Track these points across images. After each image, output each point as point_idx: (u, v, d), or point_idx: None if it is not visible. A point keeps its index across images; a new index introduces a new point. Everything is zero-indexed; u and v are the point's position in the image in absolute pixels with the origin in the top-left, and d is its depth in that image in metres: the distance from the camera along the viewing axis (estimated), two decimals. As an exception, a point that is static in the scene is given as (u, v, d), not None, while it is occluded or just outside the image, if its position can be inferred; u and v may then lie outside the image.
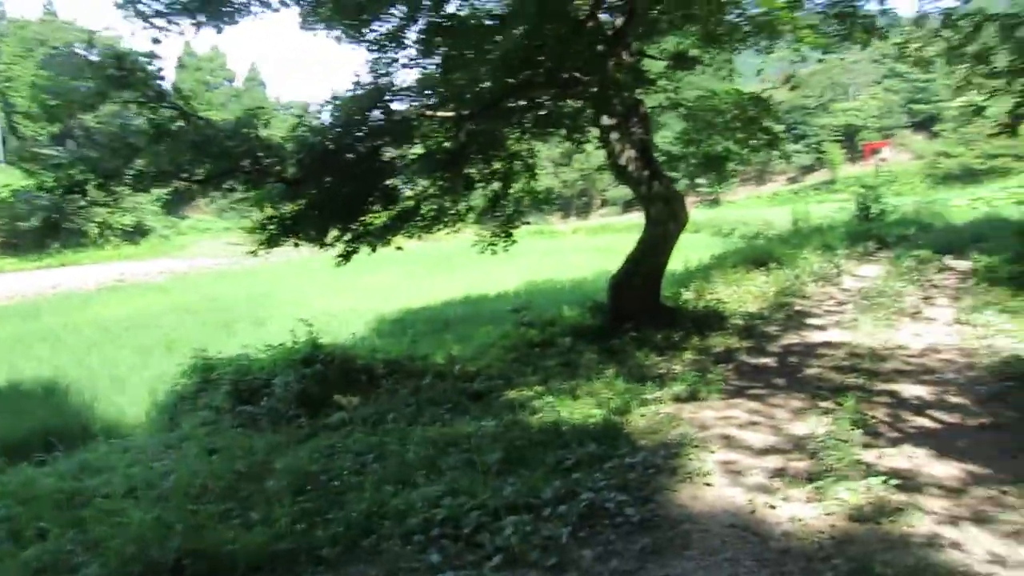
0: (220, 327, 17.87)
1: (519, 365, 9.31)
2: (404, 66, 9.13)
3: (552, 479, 5.06)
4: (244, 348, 10.25)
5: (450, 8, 8.89)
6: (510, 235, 11.29)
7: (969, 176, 57.00)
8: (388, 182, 8.84)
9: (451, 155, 9.30)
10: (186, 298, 26.22)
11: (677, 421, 6.54)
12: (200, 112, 8.69)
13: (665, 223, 10.62)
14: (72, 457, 7.36)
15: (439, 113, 8.52)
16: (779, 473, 5.19)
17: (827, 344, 9.23)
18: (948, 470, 5.13)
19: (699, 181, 22.33)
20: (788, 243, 16.68)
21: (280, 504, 4.97)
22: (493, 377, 8.72)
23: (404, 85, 8.60)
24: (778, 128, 12.48)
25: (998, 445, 5.61)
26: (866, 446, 5.57)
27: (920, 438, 5.83)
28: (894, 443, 5.72)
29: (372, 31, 9.22)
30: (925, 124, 71.75)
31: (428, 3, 8.65)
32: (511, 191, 11.28)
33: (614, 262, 28.61)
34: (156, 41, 7.91)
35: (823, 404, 6.76)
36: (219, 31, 8.77)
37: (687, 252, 15.64)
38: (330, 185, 8.12)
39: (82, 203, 8.33)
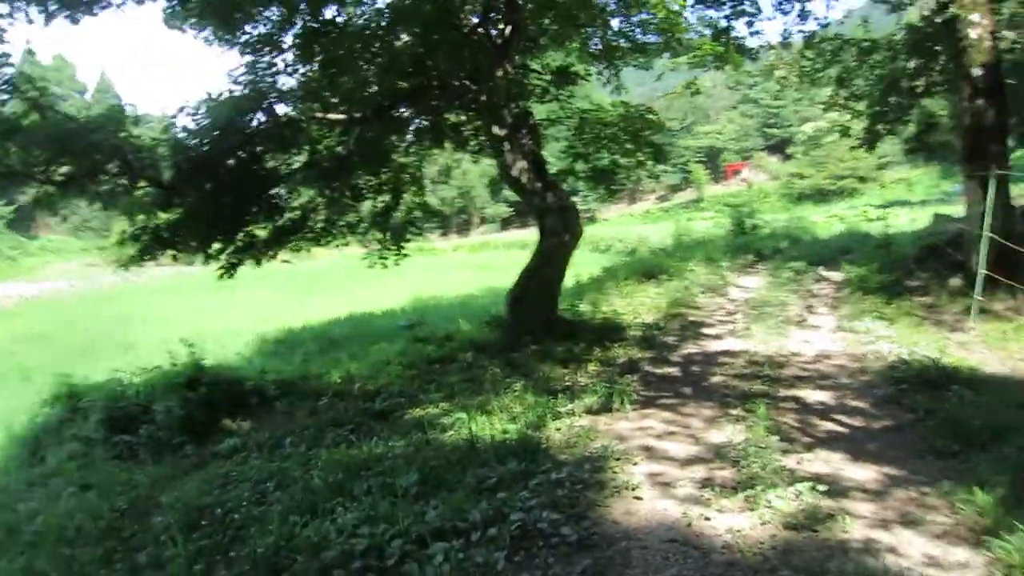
0: (82, 353, 16.35)
1: (421, 382, 8.93)
2: (281, 72, 8.58)
3: (477, 500, 4.72)
4: (115, 373, 9.24)
5: (329, 13, 8.46)
6: (401, 249, 10.85)
7: (820, 195, 61.55)
8: (272, 191, 8.19)
9: (338, 164, 8.80)
10: (41, 323, 23.89)
11: (594, 433, 6.35)
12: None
13: (560, 234, 10.57)
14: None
15: (329, 116, 8.00)
16: (707, 483, 5.07)
17: (726, 353, 9.38)
18: (866, 473, 5.19)
19: (583, 196, 22.70)
20: (674, 256, 17.13)
21: (172, 543, 4.36)
22: (395, 395, 8.28)
23: (286, 88, 8.01)
24: (664, 142, 12.76)
25: (904, 447, 5.76)
26: (784, 452, 5.56)
27: (832, 442, 5.91)
28: (809, 448, 5.76)
29: (245, 33, 8.60)
30: (778, 147, 77.16)
31: (304, 7, 8.17)
32: (402, 203, 10.86)
33: (498, 278, 28.73)
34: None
35: (733, 412, 6.78)
36: (74, 22, 7.90)
37: (575, 266, 15.74)
38: (209, 192, 7.41)
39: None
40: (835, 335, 10.04)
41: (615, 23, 11.32)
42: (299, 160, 8.46)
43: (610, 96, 12.75)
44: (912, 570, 3.81)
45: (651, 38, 12.80)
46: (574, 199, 11.31)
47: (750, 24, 12.74)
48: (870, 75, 12.89)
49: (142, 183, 7.46)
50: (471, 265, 39.60)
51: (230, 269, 8.67)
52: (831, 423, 6.47)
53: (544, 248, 10.56)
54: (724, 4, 11.72)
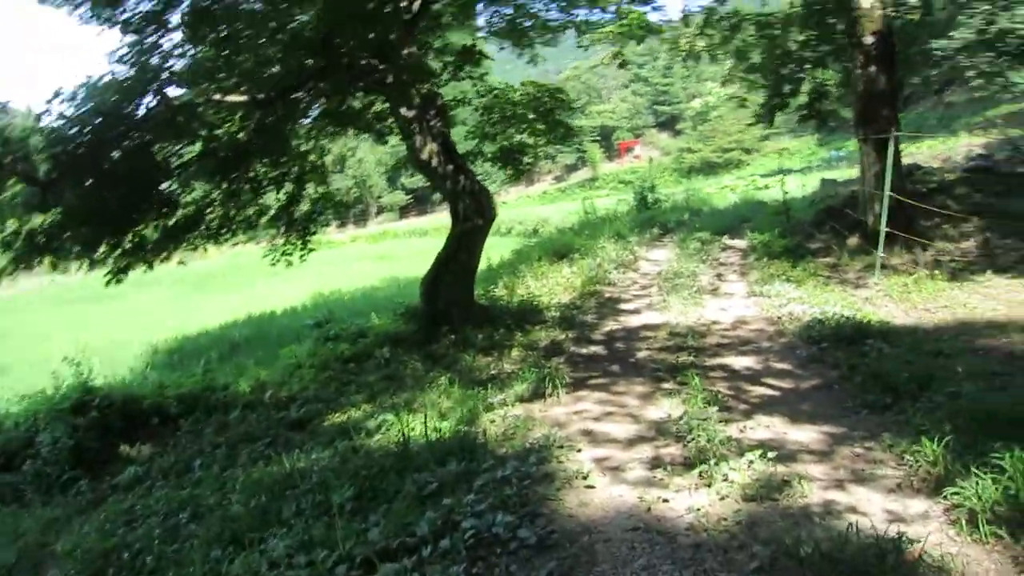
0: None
1: (337, 384, 8.47)
2: (169, 53, 7.80)
3: (421, 510, 4.36)
4: (-14, 401, 8.24)
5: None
6: (308, 243, 10.23)
7: (709, 168, 63.65)
8: (164, 185, 7.44)
9: (236, 153, 8.11)
10: None
11: (531, 422, 6.12)
12: None
13: (473, 219, 10.26)
14: None
15: (228, 98, 7.30)
16: (656, 463, 4.92)
17: (646, 327, 9.35)
18: (808, 435, 5.17)
19: (486, 178, 22.35)
20: (582, 234, 17.10)
21: (73, 601, 3.78)
22: (311, 400, 7.79)
23: (177, 68, 7.21)
24: (574, 122, 12.65)
25: (835, 404, 5.83)
26: (724, 422, 5.49)
27: (767, 407, 5.91)
28: (747, 415, 5.73)
29: (125, 11, 7.78)
30: (668, 123, 79.35)
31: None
32: (305, 194, 10.24)
33: (401, 268, 28.01)
34: None
35: (666, 386, 6.73)
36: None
37: (484, 251, 15.42)
38: (92, 188, 6.59)
39: None
40: (748, 300, 10.21)
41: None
42: (192, 150, 7.69)
43: (521, 74, 12.52)
44: (878, 527, 3.75)
45: (554, 15, 12.64)
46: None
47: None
48: (765, 50, 13.20)
49: (11, 181, 6.54)
50: (371, 256, 38.69)
51: (118, 274, 7.82)
52: (762, 387, 6.49)
53: (458, 233, 10.22)
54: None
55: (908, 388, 5.57)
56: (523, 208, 59.29)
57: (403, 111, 9.60)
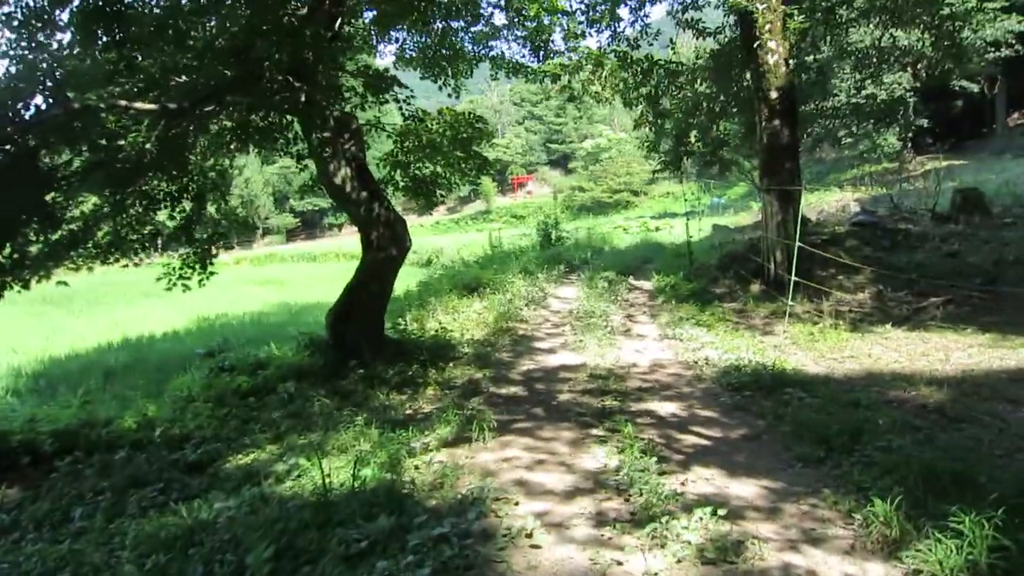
0: None
1: (237, 422, 7.76)
2: (57, 54, 7.01)
3: (353, 575, 3.89)
4: None
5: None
6: (207, 265, 9.45)
7: (599, 207, 65.48)
8: (49, 197, 6.60)
9: (134, 164, 7.37)
10: None
11: (458, 470, 5.74)
12: None
13: (387, 249, 9.82)
14: None
15: (136, 105, 6.57)
16: (601, 519, 4.66)
17: (564, 367, 9.19)
18: (749, 489, 5.08)
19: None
20: (489, 268, 16.88)
21: None
22: (209, 440, 7.06)
23: (71, 68, 6.44)
24: (489, 153, 12.47)
25: (769, 455, 5.80)
26: (662, 474, 5.32)
27: (702, 457, 5.81)
28: (684, 466, 5.59)
29: (8, 4, 6.96)
30: (560, 162, 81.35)
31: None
32: (206, 211, 9.48)
33: (290, 294, 26.76)
34: None
35: (595, 432, 6.52)
36: None
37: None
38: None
39: None
40: (662, 343, 10.27)
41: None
42: (81, 160, 6.87)
43: (433, 106, 12.24)
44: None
45: (468, 46, 12.55)
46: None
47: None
48: (675, 96, 13.63)
49: None
50: (257, 280, 36.95)
51: (-8, 294, 6.85)
52: (692, 436, 6.41)
53: (370, 263, 9.75)
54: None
55: (840, 441, 5.62)
56: (416, 237, 58.62)
57: (316, 133, 9.12)
